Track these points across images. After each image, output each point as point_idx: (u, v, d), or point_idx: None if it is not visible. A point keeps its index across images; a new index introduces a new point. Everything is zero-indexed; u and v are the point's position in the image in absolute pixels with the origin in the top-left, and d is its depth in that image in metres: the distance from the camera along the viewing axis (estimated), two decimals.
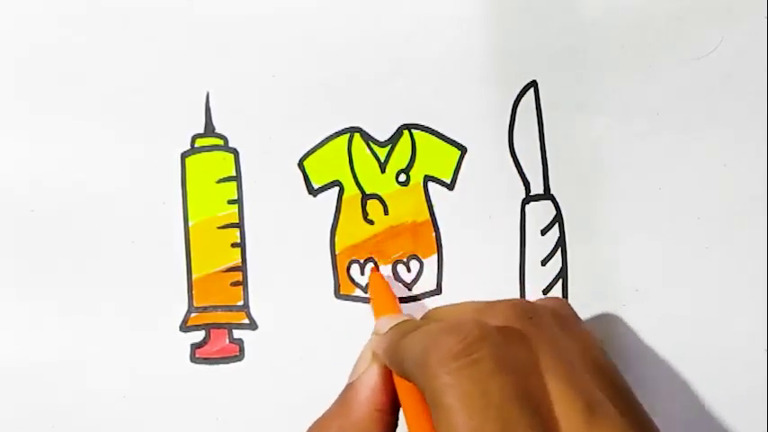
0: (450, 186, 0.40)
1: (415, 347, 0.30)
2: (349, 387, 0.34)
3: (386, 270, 0.40)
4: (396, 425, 0.34)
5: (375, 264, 0.40)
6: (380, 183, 0.40)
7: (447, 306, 0.35)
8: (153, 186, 0.40)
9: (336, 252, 0.40)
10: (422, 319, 0.37)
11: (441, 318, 0.33)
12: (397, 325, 0.34)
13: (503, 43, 0.40)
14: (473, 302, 0.33)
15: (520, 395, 0.28)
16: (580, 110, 0.40)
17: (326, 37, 0.40)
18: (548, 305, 0.34)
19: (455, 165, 0.40)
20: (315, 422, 0.34)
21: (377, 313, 0.37)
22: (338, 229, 0.40)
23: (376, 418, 0.33)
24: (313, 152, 0.40)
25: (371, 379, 0.34)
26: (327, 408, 0.34)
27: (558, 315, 0.33)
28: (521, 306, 0.31)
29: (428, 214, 0.40)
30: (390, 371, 0.33)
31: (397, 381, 0.33)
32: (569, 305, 0.35)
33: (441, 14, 0.40)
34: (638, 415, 0.32)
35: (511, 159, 0.40)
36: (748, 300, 0.40)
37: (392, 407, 0.33)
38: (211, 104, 0.40)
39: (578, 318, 0.35)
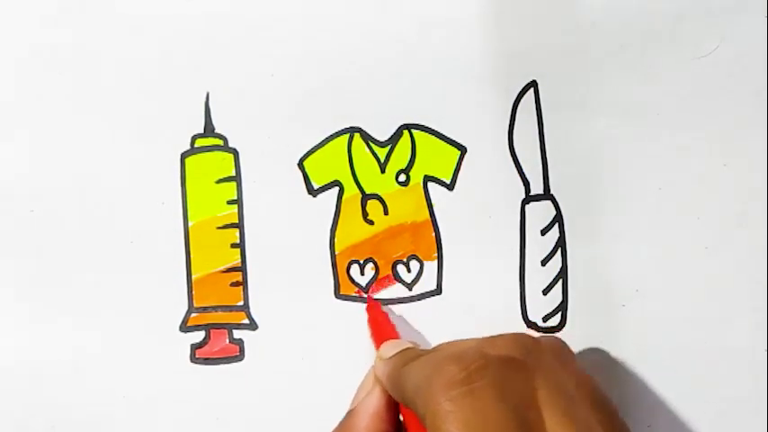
0: (450, 186, 0.40)
1: (417, 374, 0.31)
2: (351, 414, 0.35)
3: (386, 270, 0.40)
4: None
5: (367, 290, 0.40)
6: (380, 183, 0.40)
7: (452, 341, 0.36)
8: (152, 186, 0.40)
9: (336, 252, 0.40)
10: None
11: (444, 349, 0.33)
12: (400, 352, 0.35)
13: (503, 43, 0.40)
14: (476, 338, 0.33)
15: (518, 425, 0.28)
16: (580, 110, 0.40)
17: (326, 37, 0.40)
18: (547, 341, 0.34)
19: (455, 165, 0.40)
20: None
21: (378, 339, 0.37)
22: (338, 229, 0.40)
23: None
24: (313, 152, 0.40)
25: (372, 406, 0.34)
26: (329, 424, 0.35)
27: (556, 351, 0.34)
28: (521, 340, 0.32)
29: (428, 214, 0.40)
30: (391, 397, 0.34)
31: (402, 408, 0.33)
32: (566, 344, 0.35)
33: (441, 15, 0.40)
34: None
35: (511, 159, 0.40)
36: (748, 300, 0.40)
37: (393, 429, 0.34)
38: (211, 104, 0.40)
39: (574, 356, 0.36)
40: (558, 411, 0.29)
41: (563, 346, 0.35)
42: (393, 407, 0.34)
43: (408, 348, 0.35)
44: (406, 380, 0.31)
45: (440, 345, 0.35)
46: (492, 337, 0.32)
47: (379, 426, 0.34)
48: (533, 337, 0.32)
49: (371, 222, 0.40)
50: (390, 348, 0.35)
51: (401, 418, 0.34)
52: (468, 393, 0.28)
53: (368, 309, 0.39)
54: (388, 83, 0.40)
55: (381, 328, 0.38)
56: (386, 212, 0.40)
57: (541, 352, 0.31)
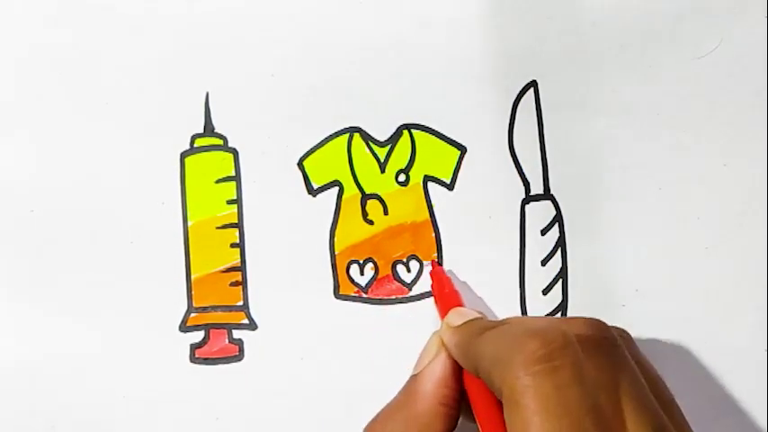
0: (450, 186, 0.40)
1: (494, 346, 0.31)
2: (414, 379, 0.35)
3: (385, 270, 0.40)
4: (457, 419, 0.34)
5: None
6: (380, 183, 0.40)
7: (522, 317, 0.36)
8: (152, 186, 0.40)
9: (336, 252, 0.40)
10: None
11: (520, 323, 0.33)
12: (472, 321, 0.35)
13: (503, 43, 0.40)
14: (549, 317, 0.33)
15: (595, 408, 0.28)
16: (580, 110, 0.40)
17: (326, 37, 0.40)
18: (617, 329, 0.34)
19: (455, 165, 0.40)
20: (379, 412, 0.35)
21: (444, 306, 0.37)
22: (338, 229, 0.40)
23: (440, 413, 0.33)
24: (313, 152, 0.40)
25: (437, 372, 0.34)
26: (386, 403, 0.35)
27: (627, 339, 0.34)
28: (598, 324, 0.32)
29: (428, 214, 0.40)
30: (457, 365, 0.34)
31: (467, 376, 0.33)
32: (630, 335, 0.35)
33: (441, 15, 0.40)
34: None
35: (511, 159, 0.40)
36: (748, 300, 0.40)
37: (456, 401, 0.34)
38: (211, 104, 0.40)
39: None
40: (633, 400, 0.29)
41: (629, 336, 0.35)
42: (457, 373, 0.34)
43: (477, 318, 0.35)
44: (480, 350, 0.31)
45: (509, 318, 0.35)
46: (568, 317, 0.33)
47: (444, 391, 0.34)
48: (606, 324, 0.32)
49: (371, 222, 0.40)
50: (458, 317, 0.35)
51: (464, 384, 0.34)
52: (549, 371, 0.28)
53: (432, 274, 0.39)
54: (388, 83, 0.40)
55: (446, 294, 0.38)
56: (386, 212, 0.40)
57: (615, 338, 0.31)
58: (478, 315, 0.36)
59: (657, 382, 0.33)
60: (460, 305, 0.37)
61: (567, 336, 0.29)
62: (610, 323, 0.38)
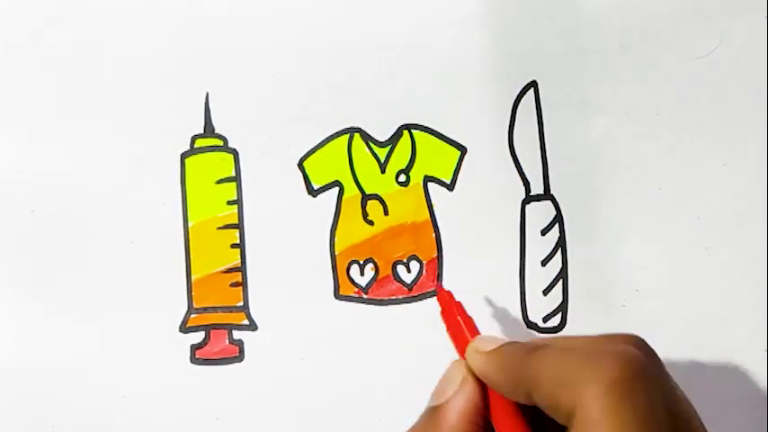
0: (450, 186, 0.40)
1: (559, 365, 0.29)
2: (436, 411, 0.32)
3: (385, 270, 0.40)
4: None
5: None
6: (380, 183, 0.40)
7: (564, 336, 0.34)
8: (153, 187, 0.40)
9: (336, 252, 0.40)
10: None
11: (574, 341, 0.31)
12: (509, 343, 0.32)
13: (503, 43, 0.40)
14: (590, 336, 0.32)
15: (673, 428, 0.28)
16: (580, 110, 0.40)
17: (326, 38, 0.40)
18: None
19: (455, 165, 0.40)
20: None
21: (460, 334, 0.34)
22: (338, 229, 0.40)
23: None
24: (313, 152, 0.40)
25: (463, 403, 0.32)
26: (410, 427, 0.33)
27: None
28: (642, 343, 0.31)
29: (428, 214, 0.40)
30: (483, 397, 0.32)
31: (499, 408, 0.32)
32: None
33: (441, 15, 0.40)
34: None
35: (511, 159, 0.40)
36: (748, 300, 0.40)
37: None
38: (211, 105, 0.40)
39: None
40: (692, 415, 0.29)
41: None
42: (483, 407, 0.32)
43: (511, 342, 0.32)
44: (537, 371, 0.29)
45: (553, 339, 0.33)
46: (610, 335, 0.31)
47: (468, 427, 0.31)
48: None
49: (371, 223, 0.40)
50: (488, 342, 0.33)
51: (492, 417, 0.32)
52: (629, 394, 0.27)
53: (440, 299, 0.36)
54: (388, 83, 0.40)
55: (460, 322, 0.35)
56: (386, 213, 0.40)
57: (659, 360, 0.31)
58: (507, 340, 0.33)
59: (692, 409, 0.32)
60: (476, 331, 0.35)
61: (641, 359, 0.28)
62: (610, 323, 0.39)
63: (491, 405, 0.32)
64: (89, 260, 0.39)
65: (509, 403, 0.31)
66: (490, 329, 0.39)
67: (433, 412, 0.32)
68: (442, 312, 0.35)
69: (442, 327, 0.39)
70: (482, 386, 0.32)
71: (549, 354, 0.29)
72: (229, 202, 0.40)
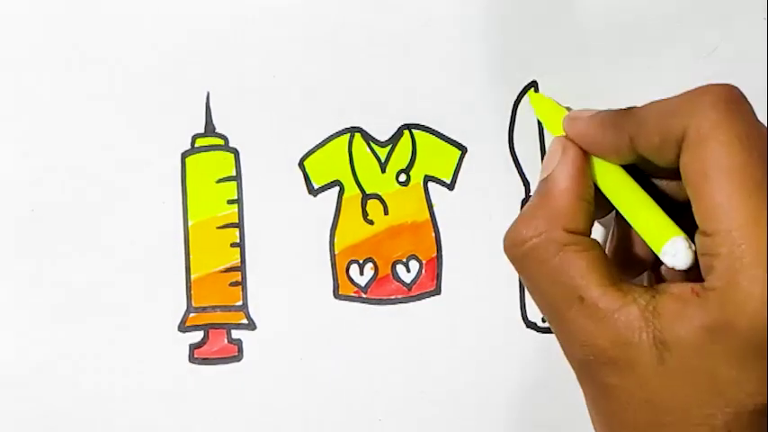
0: (451, 186, 0.40)
1: (664, 104, 0.31)
2: (547, 180, 0.34)
3: (385, 270, 0.40)
4: (594, 216, 0.33)
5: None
6: (381, 183, 0.40)
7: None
8: (153, 186, 0.40)
9: (336, 252, 0.40)
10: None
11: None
12: (606, 110, 0.34)
13: (503, 43, 0.40)
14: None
15: None
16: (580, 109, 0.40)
17: (327, 37, 0.40)
18: None
19: (455, 165, 0.40)
20: (516, 218, 0.33)
21: (553, 117, 0.36)
22: (338, 229, 0.40)
23: (581, 208, 0.33)
24: (313, 152, 0.40)
25: (571, 167, 0.33)
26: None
27: None
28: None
29: (428, 214, 0.40)
30: (585, 160, 0.33)
31: (598, 164, 0.33)
32: None
33: (441, 15, 0.40)
34: None
35: (511, 159, 0.40)
36: None
37: (591, 196, 0.33)
38: (212, 104, 0.40)
39: None
40: None
41: None
42: (588, 168, 0.33)
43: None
44: (643, 112, 0.31)
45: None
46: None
47: (580, 186, 0.33)
48: None
49: (371, 222, 0.40)
50: (582, 111, 0.35)
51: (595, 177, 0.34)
52: (738, 110, 0.29)
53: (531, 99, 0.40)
54: (388, 83, 0.40)
55: (551, 100, 0.38)
56: (386, 212, 0.40)
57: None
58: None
59: None
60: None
61: (738, 89, 0.30)
62: None
63: (596, 171, 0.34)
64: (89, 259, 0.39)
65: (613, 166, 0.33)
66: (490, 329, 0.39)
67: (544, 182, 0.34)
68: (533, 104, 0.39)
69: (441, 326, 0.39)
70: (583, 153, 0.34)
71: (650, 103, 0.32)
72: (229, 202, 0.40)
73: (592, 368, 0.31)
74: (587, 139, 0.34)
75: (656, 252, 0.31)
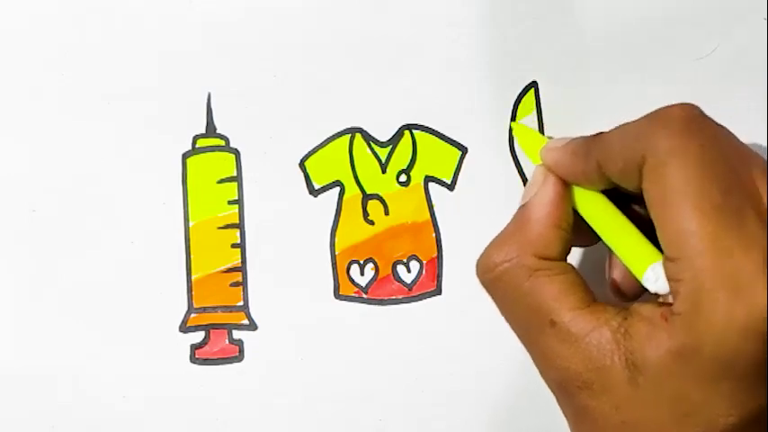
0: (451, 186, 0.40)
1: (625, 131, 0.31)
2: (525, 207, 0.34)
3: (385, 270, 0.40)
4: (570, 245, 0.34)
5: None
6: (381, 183, 0.40)
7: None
8: (153, 186, 0.40)
9: (336, 252, 0.40)
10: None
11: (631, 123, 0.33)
12: (580, 137, 0.34)
13: (503, 43, 0.40)
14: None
15: (733, 169, 0.29)
16: (580, 110, 0.40)
17: (327, 37, 0.40)
18: None
19: (455, 165, 0.40)
20: (491, 242, 0.34)
21: (534, 147, 0.36)
22: (338, 229, 0.40)
23: (555, 235, 0.33)
24: (314, 152, 0.40)
25: (547, 195, 0.34)
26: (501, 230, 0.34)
27: None
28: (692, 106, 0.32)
29: (428, 214, 0.40)
30: (564, 189, 0.34)
31: (578, 192, 0.34)
32: None
33: (441, 14, 0.40)
34: None
35: (511, 159, 0.40)
36: None
37: (568, 224, 0.33)
38: (213, 105, 0.40)
39: None
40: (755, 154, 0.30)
41: None
42: (567, 196, 0.34)
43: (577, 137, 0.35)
44: (606, 142, 0.32)
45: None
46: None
47: (557, 214, 0.33)
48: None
49: (372, 222, 0.40)
50: (559, 141, 0.35)
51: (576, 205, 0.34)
52: (694, 132, 0.29)
53: (515, 130, 0.40)
54: (388, 83, 0.40)
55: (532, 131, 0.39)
56: (386, 213, 0.40)
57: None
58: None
59: None
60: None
61: (698, 108, 0.30)
62: None
63: (576, 199, 0.34)
64: (89, 260, 0.39)
65: (593, 193, 0.34)
66: (489, 329, 0.39)
67: (522, 209, 0.34)
68: (516, 134, 0.40)
69: (441, 326, 0.39)
70: (562, 181, 0.34)
71: (616, 129, 0.32)
72: (230, 202, 0.40)
73: (568, 391, 0.31)
74: (562, 168, 0.34)
75: (637, 278, 0.31)
